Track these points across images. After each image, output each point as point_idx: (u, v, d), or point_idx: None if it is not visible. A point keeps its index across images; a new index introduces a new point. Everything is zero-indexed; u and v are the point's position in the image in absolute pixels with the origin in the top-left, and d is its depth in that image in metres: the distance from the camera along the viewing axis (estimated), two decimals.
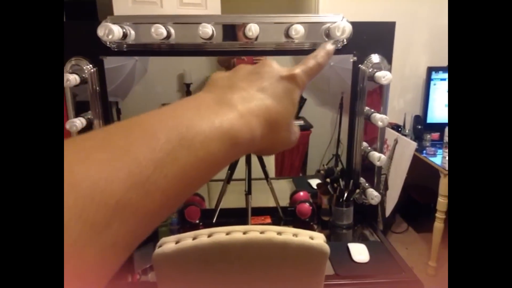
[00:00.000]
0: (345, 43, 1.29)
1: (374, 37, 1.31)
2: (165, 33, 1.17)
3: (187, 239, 0.83)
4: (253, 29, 1.19)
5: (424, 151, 2.30)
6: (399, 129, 2.52)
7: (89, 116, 1.28)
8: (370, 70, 1.30)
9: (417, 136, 2.54)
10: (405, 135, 2.42)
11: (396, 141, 2.33)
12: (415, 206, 2.69)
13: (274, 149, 0.32)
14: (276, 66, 0.32)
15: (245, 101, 0.28)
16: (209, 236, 0.82)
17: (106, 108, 1.32)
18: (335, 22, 1.22)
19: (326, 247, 0.85)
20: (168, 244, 0.83)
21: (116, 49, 1.26)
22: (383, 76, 1.24)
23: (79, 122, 1.21)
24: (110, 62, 1.32)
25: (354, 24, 1.23)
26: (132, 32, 1.22)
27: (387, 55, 1.33)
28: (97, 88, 1.29)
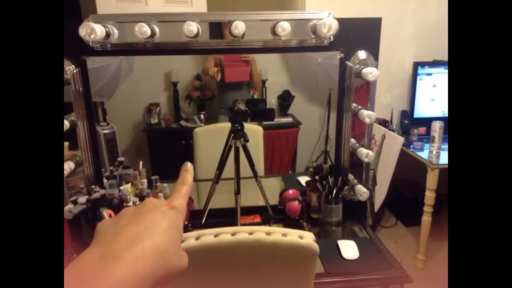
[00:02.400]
0: (332, 40, 1.28)
1: (360, 34, 1.31)
2: (149, 32, 1.15)
3: None
4: (239, 27, 1.17)
5: (411, 146, 2.33)
6: (387, 124, 2.54)
7: (72, 118, 1.25)
8: (357, 67, 1.30)
9: (404, 131, 2.56)
10: (393, 130, 2.44)
11: (383, 136, 2.35)
12: (403, 201, 2.72)
13: (169, 277, 0.33)
14: (157, 202, 0.36)
15: (131, 245, 0.31)
16: (197, 238, 0.81)
17: (90, 109, 1.29)
18: (321, 19, 1.21)
19: (316, 246, 0.85)
20: None
21: (99, 49, 1.23)
22: (370, 72, 1.24)
23: None
24: (94, 62, 1.29)
25: (340, 20, 1.23)
26: (116, 31, 1.19)
27: (374, 51, 1.33)
28: (80, 89, 1.26)
